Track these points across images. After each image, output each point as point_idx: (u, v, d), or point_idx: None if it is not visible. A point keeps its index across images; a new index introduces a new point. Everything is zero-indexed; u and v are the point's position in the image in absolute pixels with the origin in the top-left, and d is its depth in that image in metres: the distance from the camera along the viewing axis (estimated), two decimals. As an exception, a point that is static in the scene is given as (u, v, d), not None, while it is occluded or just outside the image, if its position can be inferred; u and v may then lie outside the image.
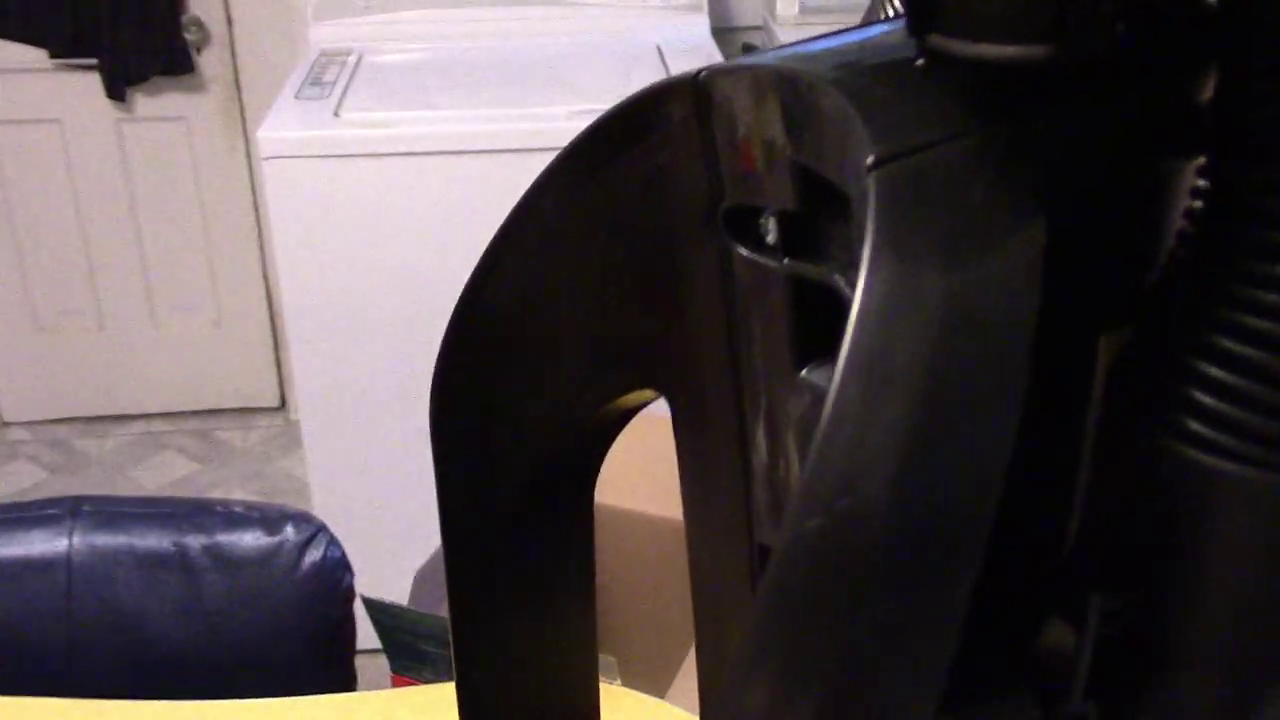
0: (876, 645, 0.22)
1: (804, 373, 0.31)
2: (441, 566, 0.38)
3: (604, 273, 0.33)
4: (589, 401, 0.35)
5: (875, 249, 0.22)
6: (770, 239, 0.30)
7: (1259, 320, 0.23)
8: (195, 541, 0.94)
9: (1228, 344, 0.23)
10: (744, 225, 0.31)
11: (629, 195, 0.32)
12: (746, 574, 0.36)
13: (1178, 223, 0.27)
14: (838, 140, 0.25)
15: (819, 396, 0.31)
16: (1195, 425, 0.24)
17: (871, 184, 0.23)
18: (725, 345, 0.33)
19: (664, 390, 0.35)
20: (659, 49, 1.77)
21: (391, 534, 1.47)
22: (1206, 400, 0.24)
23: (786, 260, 0.30)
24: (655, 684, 0.94)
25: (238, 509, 0.98)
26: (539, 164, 0.31)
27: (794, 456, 0.32)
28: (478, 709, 0.40)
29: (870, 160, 0.23)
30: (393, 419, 1.56)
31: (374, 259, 1.54)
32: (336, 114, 1.53)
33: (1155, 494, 0.25)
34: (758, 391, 0.33)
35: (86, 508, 0.95)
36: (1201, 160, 0.25)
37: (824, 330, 0.31)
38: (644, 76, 1.59)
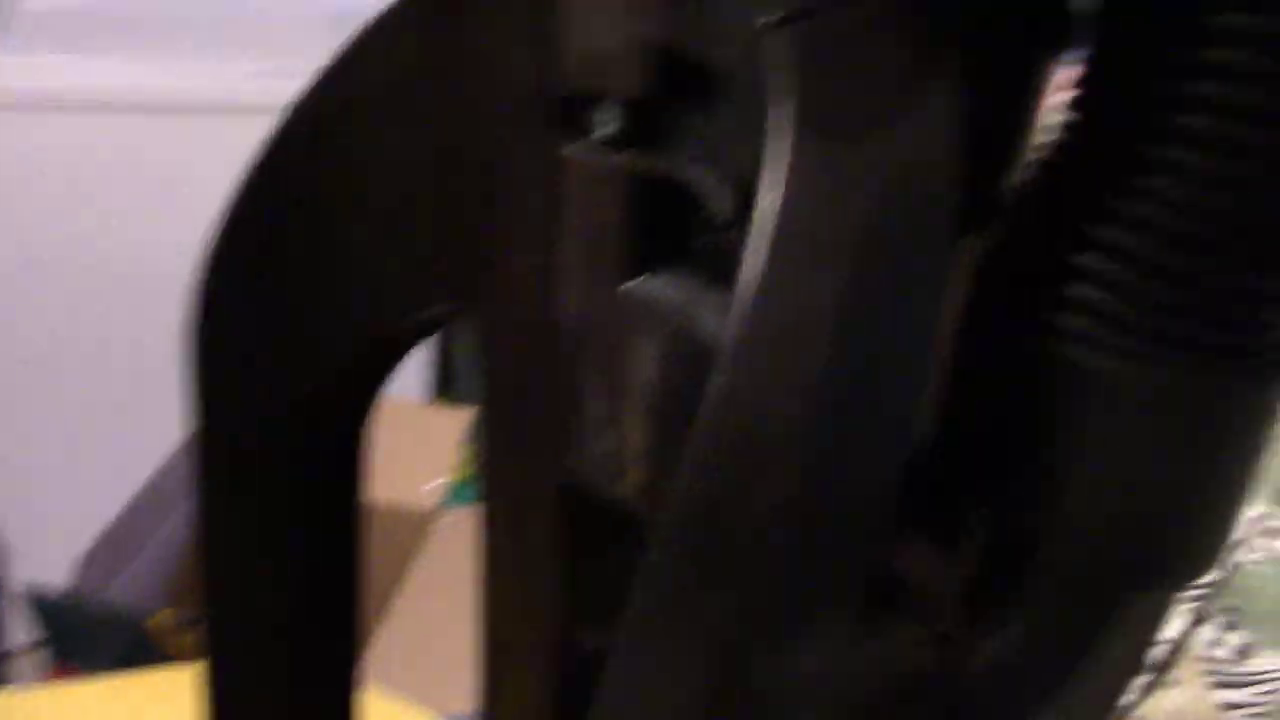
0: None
1: (632, 283, 0.29)
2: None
3: (407, 167, 0.29)
4: (384, 307, 0.31)
5: (795, 115, 0.20)
6: (607, 132, 0.28)
7: (1146, 207, 0.22)
8: None
9: (1113, 234, 0.23)
10: (576, 116, 0.28)
11: (451, 70, 0.28)
12: (551, 519, 0.33)
13: (1061, 115, 0.26)
14: (722, 6, 0.23)
15: (647, 307, 0.28)
16: (1077, 321, 0.23)
17: (783, 44, 0.21)
18: (542, 256, 0.30)
19: (471, 306, 0.31)
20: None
21: (54, 514, 1.33)
22: (1088, 293, 0.23)
23: (627, 154, 0.27)
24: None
25: None
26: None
27: (618, 381, 0.30)
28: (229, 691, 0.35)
29: (776, 17, 0.21)
30: (51, 387, 1.41)
31: (26, 221, 1.38)
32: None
33: (1032, 398, 0.24)
34: (581, 312, 0.30)
35: None
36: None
37: (661, 239, 0.28)
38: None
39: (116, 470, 1.28)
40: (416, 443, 1.56)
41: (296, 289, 0.31)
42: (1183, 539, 0.25)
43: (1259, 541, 0.76)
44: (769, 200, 0.19)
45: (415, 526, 1.46)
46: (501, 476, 0.33)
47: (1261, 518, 0.73)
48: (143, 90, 1.59)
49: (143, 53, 1.59)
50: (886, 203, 0.20)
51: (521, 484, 0.33)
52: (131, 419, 1.23)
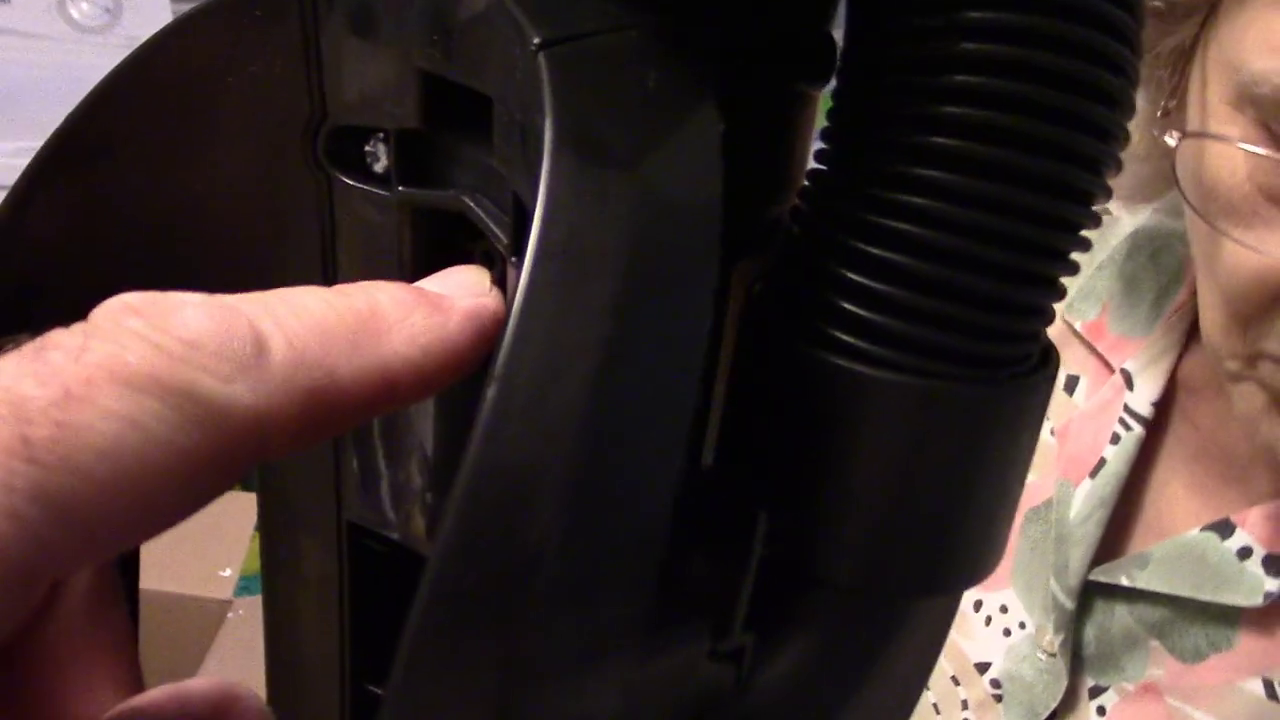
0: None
1: (416, 319, 0.28)
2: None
3: (177, 206, 0.28)
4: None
5: (555, 133, 0.20)
6: (380, 166, 0.27)
7: (899, 222, 0.24)
8: None
9: (870, 249, 0.24)
10: (348, 152, 0.27)
11: (212, 111, 0.27)
12: (332, 559, 0.32)
13: (807, 150, 0.27)
14: (484, 35, 0.23)
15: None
16: (840, 333, 0.24)
17: (542, 67, 0.21)
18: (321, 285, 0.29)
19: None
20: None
21: None
22: (849, 307, 0.24)
23: (401, 188, 0.27)
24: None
25: None
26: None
27: (399, 418, 0.29)
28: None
29: (536, 41, 0.21)
30: None
31: None
32: None
33: (803, 408, 0.25)
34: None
35: None
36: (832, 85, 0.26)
37: (438, 264, 0.28)
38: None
39: None
40: (208, 531, 1.50)
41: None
42: (954, 545, 0.26)
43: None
44: (533, 221, 0.19)
45: (210, 616, 1.40)
46: (282, 526, 0.32)
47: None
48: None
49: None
50: (649, 222, 0.20)
51: (304, 531, 0.32)
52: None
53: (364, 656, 0.32)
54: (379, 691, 0.32)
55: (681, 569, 0.24)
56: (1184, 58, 0.63)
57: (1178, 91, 0.65)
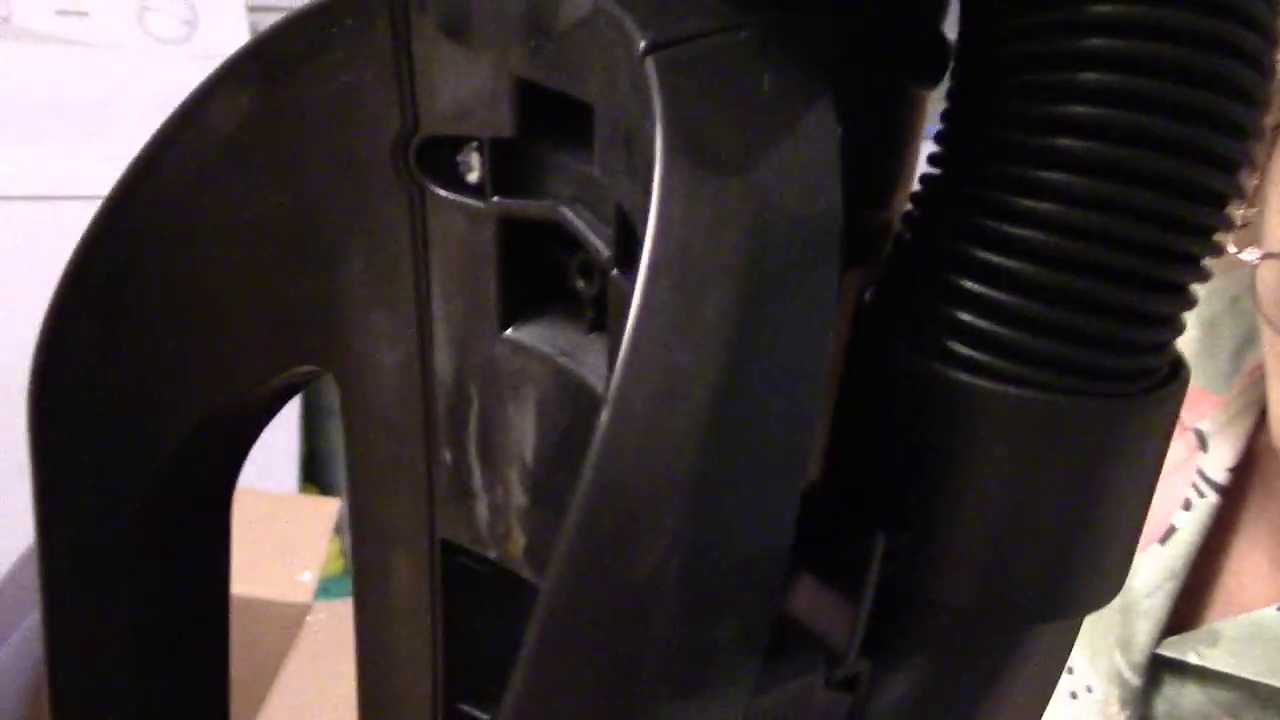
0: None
1: (509, 332, 0.27)
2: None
3: (266, 220, 0.28)
4: (241, 371, 0.29)
5: (668, 140, 0.19)
6: (474, 176, 0.27)
7: (1021, 229, 0.22)
8: None
9: (989, 256, 0.23)
10: (441, 162, 0.27)
11: (306, 120, 0.27)
12: (424, 576, 0.31)
13: (916, 154, 0.26)
14: (586, 40, 0.22)
15: (525, 356, 0.27)
16: (957, 345, 0.23)
17: (652, 72, 0.20)
18: (413, 310, 0.28)
19: (334, 365, 0.30)
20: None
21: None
22: (967, 317, 0.23)
23: (496, 198, 0.26)
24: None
25: None
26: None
27: (496, 428, 0.28)
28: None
29: (644, 44, 0.20)
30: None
31: None
32: None
33: (919, 424, 0.24)
34: (453, 364, 0.29)
35: None
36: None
37: (534, 284, 0.27)
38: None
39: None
40: (287, 535, 1.51)
41: (142, 363, 0.29)
42: (1078, 566, 0.25)
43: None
44: (646, 235, 0.18)
45: (288, 620, 1.41)
46: (373, 543, 0.32)
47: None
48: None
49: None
50: (766, 233, 0.19)
51: (395, 548, 0.31)
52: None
53: (457, 677, 0.31)
54: (474, 713, 0.31)
55: (793, 592, 0.23)
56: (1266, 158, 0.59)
57: (1257, 197, 0.60)
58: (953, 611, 0.24)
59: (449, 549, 0.31)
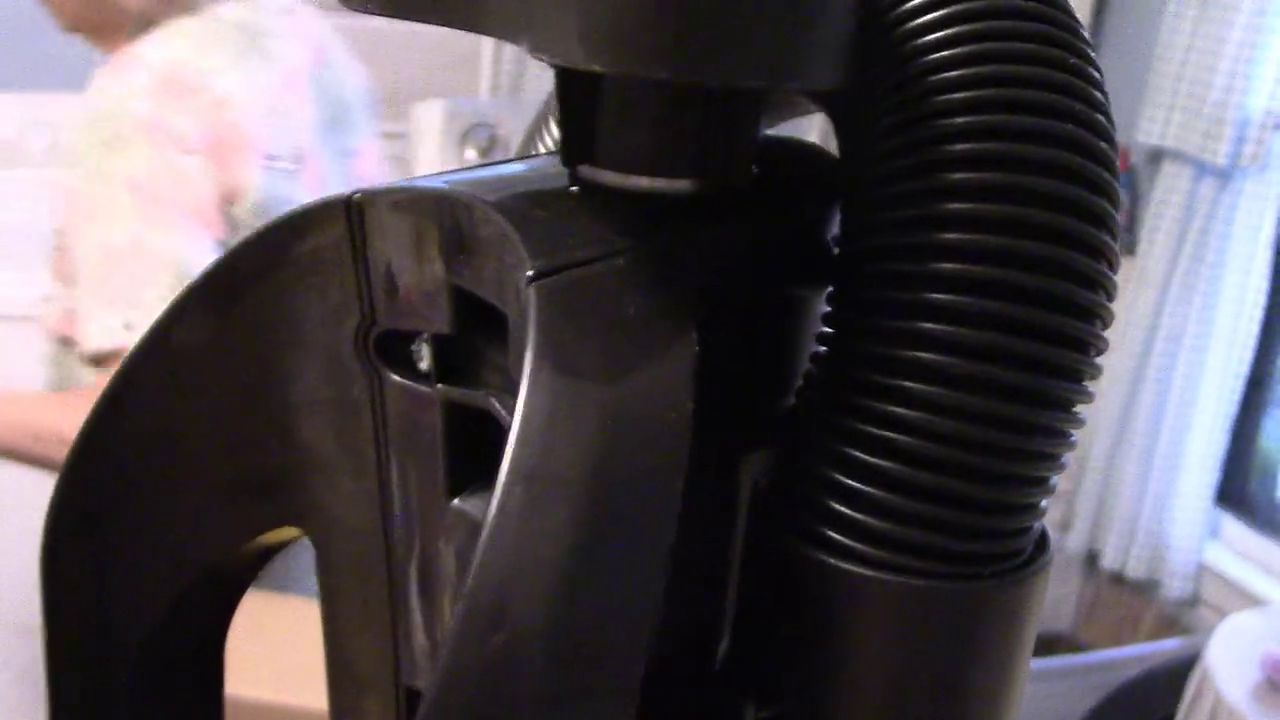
0: None
1: (456, 501, 0.31)
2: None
3: (243, 403, 0.31)
4: (223, 541, 0.33)
5: (536, 360, 0.22)
6: (424, 365, 0.30)
7: (882, 430, 0.25)
8: None
9: (855, 453, 0.25)
10: (396, 351, 0.30)
11: (272, 322, 0.30)
12: (394, 723, 0.34)
13: (811, 346, 0.29)
14: (497, 261, 0.26)
15: (472, 526, 0.30)
16: (831, 533, 0.25)
17: (531, 297, 0.23)
18: (374, 478, 0.32)
19: (307, 527, 0.33)
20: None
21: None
22: (840, 508, 0.25)
23: (440, 385, 0.30)
24: None
25: None
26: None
27: (445, 591, 0.31)
28: None
29: (529, 274, 0.24)
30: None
31: None
32: None
33: (799, 604, 0.26)
34: (409, 526, 0.32)
35: None
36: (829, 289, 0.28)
37: (478, 458, 0.30)
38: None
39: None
40: (306, 637, 1.52)
41: (138, 531, 0.32)
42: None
43: None
44: (507, 443, 0.21)
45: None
46: (348, 688, 0.35)
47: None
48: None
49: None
50: (618, 441, 0.22)
51: (367, 694, 0.34)
52: None
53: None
54: None
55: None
56: None
57: None
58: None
59: (415, 697, 0.33)
